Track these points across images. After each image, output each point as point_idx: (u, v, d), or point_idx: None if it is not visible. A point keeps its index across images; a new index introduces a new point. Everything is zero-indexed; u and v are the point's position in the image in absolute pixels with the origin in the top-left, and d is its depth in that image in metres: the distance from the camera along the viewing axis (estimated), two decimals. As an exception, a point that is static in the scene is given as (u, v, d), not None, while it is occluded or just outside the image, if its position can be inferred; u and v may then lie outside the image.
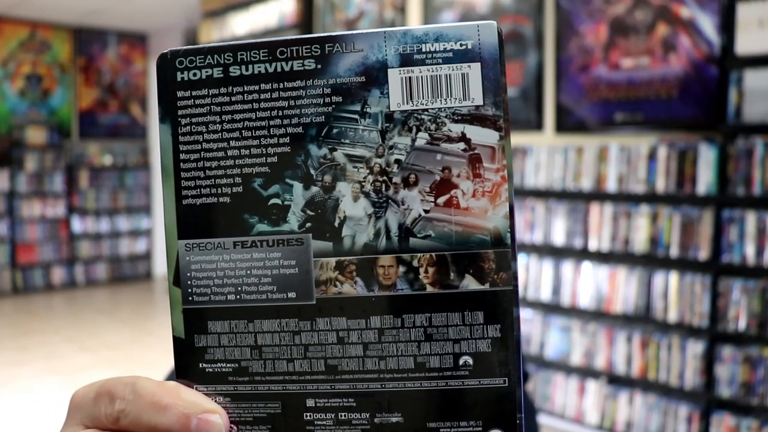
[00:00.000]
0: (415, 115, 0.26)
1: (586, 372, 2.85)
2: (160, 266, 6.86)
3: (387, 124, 0.27)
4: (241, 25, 4.75)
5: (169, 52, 0.28)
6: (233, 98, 0.27)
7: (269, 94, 0.27)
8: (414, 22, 3.67)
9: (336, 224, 0.27)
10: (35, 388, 3.54)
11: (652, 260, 2.64)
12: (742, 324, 2.37)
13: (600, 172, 2.77)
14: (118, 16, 6.03)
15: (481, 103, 0.26)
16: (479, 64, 0.26)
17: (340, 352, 0.27)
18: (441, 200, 0.26)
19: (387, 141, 0.26)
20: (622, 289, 2.70)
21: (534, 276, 2.98)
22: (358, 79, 0.26)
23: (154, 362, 3.93)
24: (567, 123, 2.99)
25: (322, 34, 0.27)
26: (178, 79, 0.28)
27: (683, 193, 2.53)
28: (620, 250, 2.70)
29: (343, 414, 0.27)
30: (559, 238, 2.89)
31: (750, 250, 2.36)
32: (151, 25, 6.47)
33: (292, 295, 0.27)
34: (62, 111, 6.38)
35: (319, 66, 0.27)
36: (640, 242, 2.64)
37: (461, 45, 0.26)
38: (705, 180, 2.47)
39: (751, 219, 2.36)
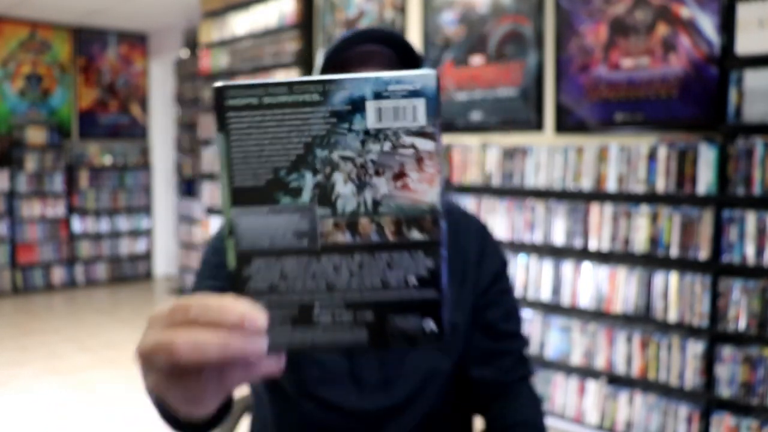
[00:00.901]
0: (383, 131, 0.40)
1: (586, 372, 2.85)
2: (160, 266, 6.85)
3: (365, 137, 0.40)
4: (241, 25, 4.75)
5: (222, 86, 0.40)
6: (266, 117, 0.40)
7: (289, 115, 0.40)
8: (414, 22, 3.67)
9: (333, 199, 0.41)
10: (35, 388, 3.54)
11: (652, 260, 2.64)
12: (742, 324, 2.37)
13: (600, 172, 2.77)
14: (118, 16, 6.03)
15: (424, 125, 0.40)
16: (424, 99, 0.40)
17: (335, 277, 0.41)
18: (398, 184, 0.41)
19: (365, 147, 0.40)
20: (622, 289, 2.70)
21: (534, 276, 2.98)
22: (347, 107, 0.40)
23: (154, 362, 3.92)
24: (567, 123, 2.99)
25: (325, 78, 0.40)
26: (229, 104, 0.40)
27: (683, 193, 2.53)
28: (620, 250, 2.70)
29: (336, 313, 0.41)
30: (559, 238, 2.89)
31: (750, 250, 2.36)
32: (151, 25, 6.46)
33: (304, 242, 0.41)
34: (62, 111, 6.38)
35: (322, 98, 0.40)
36: (640, 242, 2.64)
37: (413, 87, 0.40)
38: (705, 180, 2.47)
39: (751, 219, 2.36)
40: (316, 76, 0.40)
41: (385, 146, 0.40)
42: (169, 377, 0.41)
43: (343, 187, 0.41)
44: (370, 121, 0.40)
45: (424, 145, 0.40)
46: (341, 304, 0.41)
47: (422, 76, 0.39)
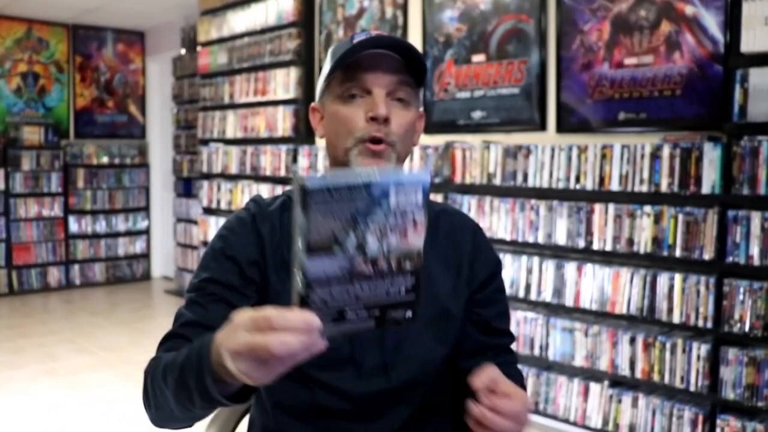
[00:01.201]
0: (398, 208, 0.64)
1: (590, 374, 2.82)
2: (158, 267, 6.81)
3: (387, 212, 0.64)
4: (240, 22, 4.72)
5: (306, 185, 0.60)
6: (332, 203, 0.61)
7: (346, 201, 0.61)
8: (415, 19, 3.64)
9: (365, 248, 0.64)
10: (32, 390, 3.50)
11: (656, 261, 2.61)
12: (747, 325, 2.35)
13: (603, 171, 2.73)
14: (115, 13, 5.98)
15: (420, 205, 0.65)
16: (422, 190, 0.65)
17: (360, 292, 0.65)
18: (402, 238, 0.66)
19: (387, 218, 0.64)
20: (625, 290, 2.67)
21: (536, 276, 2.95)
22: (379, 197, 0.63)
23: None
24: (570, 122, 2.97)
25: (370, 181, 0.62)
26: (312, 199, 0.60)
27: (687, 193, 2.50)
28: (623, 251, 2.67)
29: (358, 312, 0.65)
30: (561, 239, 2.86)
31: (755, 251, 2.33)
32: (148, 23, 6.43)
33: (345, 275, 0.64)
34: (59, 110, 6.33)
35: (366, 192, 0.62)
36: (643, 243, 2.61)
37: (417, 183, 0.64)
38: (709, 180, 2.44)
39: (756, 219, 2.33)
40: (363, 178, 0.62)
41: (398, 217, 0.65)
42: (261, 363, 0.63)
43: (371, 241, 0.64)
44: (392, 203, 0.64)
45: (419, 216, 0.66)
46: (362, 307, 0.66)
47: (423, 176, 0.65)
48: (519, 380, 1.05)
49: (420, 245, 0.66)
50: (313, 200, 0.60)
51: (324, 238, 0.61)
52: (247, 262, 0.96)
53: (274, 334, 0.60)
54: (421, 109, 1.02)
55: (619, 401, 2.71)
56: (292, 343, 0.60)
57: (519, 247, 3.06)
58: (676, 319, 2.52)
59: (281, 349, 0.59)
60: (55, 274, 6.15)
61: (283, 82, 4.37)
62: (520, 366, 1.09)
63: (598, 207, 2.75)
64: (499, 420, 0.79)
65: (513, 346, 1.10)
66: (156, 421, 0.90)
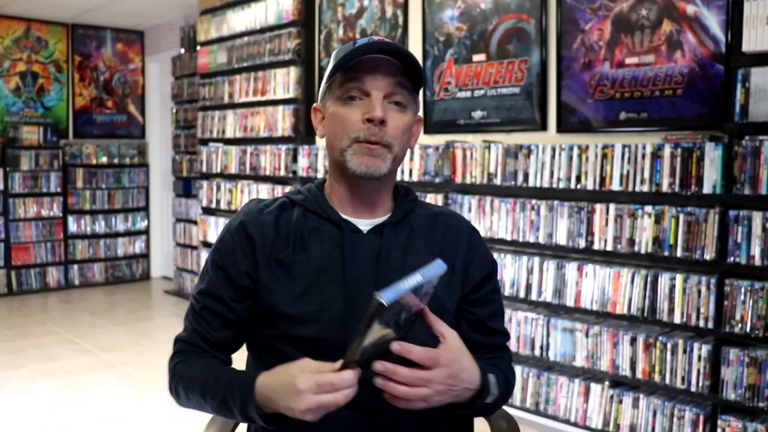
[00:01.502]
0: (426, 292, 0.86)
1: (590, 374, 2.81)
2: (157, 267, 6.80)
3: (419, 296, 0.85)
4: (239, 22, 4.70)
5: (385, 303, 0.75)
6: (395, 308, 0.79)
7: (402, 304, 0.80)
8: (415, 18, 3.63)
9: (399, 321, 0.85)
10: (31, 390, 3.49)
11: (657, 261, 2.60)
12: (748, 326, 2.34)
13: (604, 171, 2.73)
14: (115, 13, 5.97)
15: (435, 285, 0.87)
16: (438, 276, 0.84)
17: (385, 346, 0.86)
18: (418, 305, 0.88)
19: (418, 299, 0.84)
20: (626, 290, 2.66)
21: (537, 277, 2.95)
22: (419, 290, 0.82)
23: (151, 362, 3.88)
24: (570, 122, 2.96)
25: (417, 285, 0.80)
26: (386, 309, 0.77)
27: (688, 193, 2.49)
28: (624, 251, 2.66)
29: (380, 352, 0.85)
30: (562, 239, 2.85)
31: (756, 251, 2.32)
32: (147, 22, 6.41)
33: (379, 341, 0.85)
34: (58, 109, 6.32)
35: (413, 293, 0.81)
36: (644, 243, 2.60)
37: (439, 273, 0.83)
38: (710, 179, 2.44)
39: (757, 219, 2.33)
40: (415, 283, 0.79)
41: (423, 296, 0.85)
42: (324, 410, 0.85)
43: (403, 315, 0.83)
44: (424, 290, 0.82)
45: (431, 290, 0.86)
46: (381, 350, 0.85)
47: (443, 267, 0.83)
48: (510, 376, 1.10)
49: (425, 302, 0.88)
50: (386, 312, 0.77)
51: (380, 326, 0.80)
52: (237, 273, 1.04)
53: (338, 393, 0.83)
54: (420, 113, 1.07)
55: (620, 402, 2.70)
56: (351, 395, 0.84)
57: (519, 247, 3.05)
58: (677, 319, 2.51)
59: (345, 402, 0.83)
60: (54, 275, 6.13)
61: (283, 82, 4.36)
62: (520, 366, 1.14)
63: (598, 207, 2.74)
64: (402, 371, 0.85)
65: (513, 347, 1.14)
66: (183, 407, 1.06)
